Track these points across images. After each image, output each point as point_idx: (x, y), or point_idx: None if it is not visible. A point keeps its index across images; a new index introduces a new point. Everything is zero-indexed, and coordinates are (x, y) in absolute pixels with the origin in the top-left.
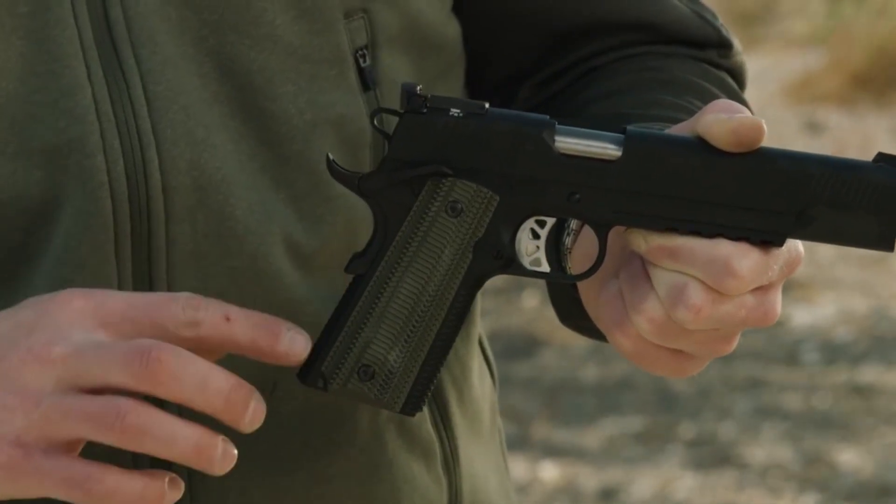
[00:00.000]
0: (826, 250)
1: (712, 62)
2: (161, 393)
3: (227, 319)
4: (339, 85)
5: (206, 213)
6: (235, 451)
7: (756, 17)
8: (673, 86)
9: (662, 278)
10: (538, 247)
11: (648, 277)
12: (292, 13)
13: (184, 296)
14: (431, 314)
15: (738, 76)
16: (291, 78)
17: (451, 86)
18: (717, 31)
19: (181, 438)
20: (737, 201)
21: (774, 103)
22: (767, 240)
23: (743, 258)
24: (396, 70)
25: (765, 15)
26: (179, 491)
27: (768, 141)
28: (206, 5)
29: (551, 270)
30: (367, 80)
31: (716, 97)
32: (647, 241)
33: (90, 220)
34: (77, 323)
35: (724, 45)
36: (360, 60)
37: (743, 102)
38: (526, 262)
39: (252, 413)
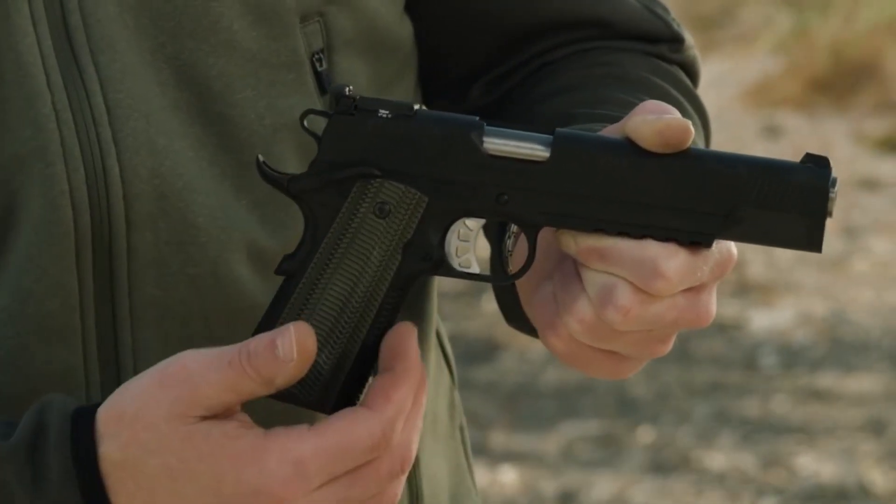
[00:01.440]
0: (785, 253)
1: (663, 56)
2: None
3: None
4: (297, 89)
5: (168, 222)
6: None
7: (715, 20)
8: (624, 82)
9: (592, 279)
10: (469, 248)
11: (580, 279)
12: (249, 18)
13: (378, 430)
14: (361, 315)
15: (690, 70)
16: (250, 83)
17: (406, 86)
18: (668, 25)
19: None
20: (664, 202)
21: (733, 107)
22: (696, 241)
23: (670, 259)
24: (353, 73)
25: (723, 18)
26: None
27: (727, 145)
28: (163, 12)
29: (492, 272)
30: (323, 84)
31: (667, 93)
32: (576, 243)
33: (51, 229)
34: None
35: (676, 40)
36: (317, 64)
37: (694, 97)
38: (455, 262)
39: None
